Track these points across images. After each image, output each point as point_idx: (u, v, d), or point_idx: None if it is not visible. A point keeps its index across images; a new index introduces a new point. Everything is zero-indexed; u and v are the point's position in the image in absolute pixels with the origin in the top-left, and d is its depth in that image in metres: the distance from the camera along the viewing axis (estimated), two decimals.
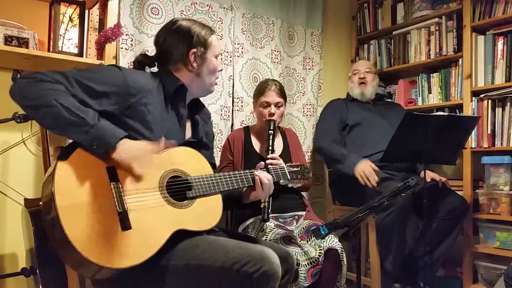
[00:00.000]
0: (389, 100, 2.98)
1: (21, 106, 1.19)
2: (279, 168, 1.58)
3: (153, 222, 1.21)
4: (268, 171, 1.54)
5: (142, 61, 1.47)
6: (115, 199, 1.16)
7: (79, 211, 1.11)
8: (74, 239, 1.07)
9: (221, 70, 1.55)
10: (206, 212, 1.34)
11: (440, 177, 2.34)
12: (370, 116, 2.56)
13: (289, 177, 1.58)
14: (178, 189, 1.30)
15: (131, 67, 1.51)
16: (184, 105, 1.45)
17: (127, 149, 1.20)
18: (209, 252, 1.22)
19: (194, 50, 1.42)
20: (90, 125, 1.16)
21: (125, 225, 1.15)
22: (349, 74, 2.75)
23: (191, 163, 1.38)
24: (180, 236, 1.25)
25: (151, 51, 2.13)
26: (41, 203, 1.17)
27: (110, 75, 1.28)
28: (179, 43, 1.41)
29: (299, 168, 1.63)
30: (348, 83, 2.75)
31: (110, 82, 1.26)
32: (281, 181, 1.59)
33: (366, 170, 2.16)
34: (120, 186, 1.18)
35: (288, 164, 1.64)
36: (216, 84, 1.56)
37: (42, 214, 1.17)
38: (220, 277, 1.19)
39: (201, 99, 1.60)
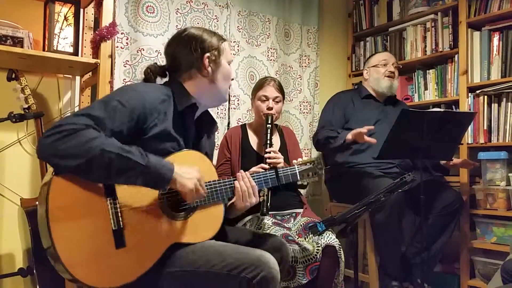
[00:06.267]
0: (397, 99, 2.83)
1: (61, 168, 1.08)
2: (289, 169, 1.49)
3: (148, 237, 1.20)
4: (276, 170, 1.48)
5: (154, 71, 1.43)
6: (111, 216, 1.14)
7: (74, 230, 1.09)
8: (66, 259, 1.06)
9: (233, 79, 1.52)
10: (204, 223, 1.32)
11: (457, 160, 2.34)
12: (379, 120, 2.43)
13: (298, 177, 1.50)
14: (179, 198, 1.27)
15: (142, 76, 1.45)
16: (191, 123, 1.42)
17: (183, 180, 1.19)
18: (205, 258, 1.21)
19: (208, 54, 1.39)
20: (142, 166, 1.11)
21: (120, 243, 1.14)
22: (375, 64, 2.52)
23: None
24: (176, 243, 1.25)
25: (147, 49, 2.17)
26: (37, 217, 1.14)
27: (130, 108, 1.21)
28: (192, 49, 1.38)
29: (311, 165, 1.51)
30: (370, 74, 2.54)
31: (133, 115, 1.21)
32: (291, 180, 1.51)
33: (355, 131, 2.13)
34: (117, 201, 1.16)
35: (300, 162, 1.53)
36: (228, 92, 1.52)
37: (38, 227, 1.14)
38: (218, 284, 1.18)
39: None
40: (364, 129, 2.08)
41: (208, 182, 1.34)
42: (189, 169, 1.23)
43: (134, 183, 1.14)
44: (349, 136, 2.14)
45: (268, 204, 1.71)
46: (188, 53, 1.38)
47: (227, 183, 1.38)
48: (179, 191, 1.22)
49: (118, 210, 1.16)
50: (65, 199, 1.09)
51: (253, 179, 1.42)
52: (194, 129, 1.45)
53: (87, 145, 1.07)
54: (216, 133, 2.41)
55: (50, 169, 1.13)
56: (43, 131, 1.80)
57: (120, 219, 1.16)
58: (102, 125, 1.13)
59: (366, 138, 2.09)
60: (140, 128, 1.23)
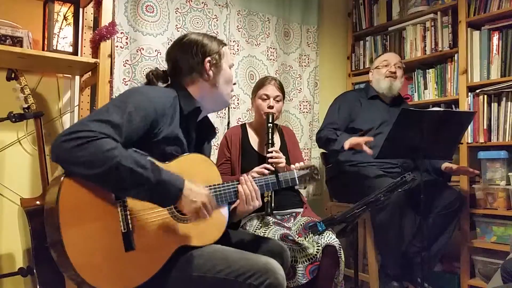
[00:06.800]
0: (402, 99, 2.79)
1: (75, 174, 1.08)
2: (289, 174, 1.52)
3: (156, 240, 1.20)
4: (277, 175, 1.49)
5: (157, 76, 1.43)
6: (120, 218, 1.14)
7: (84, 232, 1.08)
8: (76, 262, 1.05)
9: (234, 83, 1.52)
10: (210, 226, 1.33)
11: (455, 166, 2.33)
12: (385, 121, 2.41)
13: (297, 182, 1.53)
14: None
15: (144, 80, 1.46)
16: (194, 126, 1.43)
17: (189, 201, 1.17)
18: (212, 263, 1.21)
19: (209, 58, 1.39)
20: (153, 183, 1.10)
21: (129, 246, 1.14)
22: (377, 65, 2.53)
23: (201, 171, 1.36)
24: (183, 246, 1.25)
25: (146, 49, 2.17)
26: (44, 215, 1.12)
27: (144, 114, 1.21)
28: (193, 54, 1.39)
29: (308, 171, 1.56)
30: (373, 75, 2.54)
31: (147, 120, 1.21)
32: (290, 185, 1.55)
33: (353, 140, 2.14)
34: (127, 204, 1.16)
35: (299, 167, 1.57)
36: (231, 96, 1.52)
37: (45, 227, 1.12)
38: None
39: None
40: (363, 140, 2.09)
41: (213, 185, 1.34)
42: (200, 190, 1.21)
43: (142, 199, 1.14)
44: (347, 145, 2.15)
45: (272, 204, 1.72)
46: (189, 57, 1.39)
47: (230, 187, 1.39)
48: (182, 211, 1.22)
49: (128, 212, 1.16)
50: (76, 200, 1.09)
51: (255, 183, 1.43)
52: (194, 133, 1.45)
53: (104, 156, 1.05)
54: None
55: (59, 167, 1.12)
56: (43, 130, 1.80)
57: (130, 222, 1.15)
58: (119, 132, 1.13)
59: (365, 148, 2.09)
60: (151, 132, 1.23)
